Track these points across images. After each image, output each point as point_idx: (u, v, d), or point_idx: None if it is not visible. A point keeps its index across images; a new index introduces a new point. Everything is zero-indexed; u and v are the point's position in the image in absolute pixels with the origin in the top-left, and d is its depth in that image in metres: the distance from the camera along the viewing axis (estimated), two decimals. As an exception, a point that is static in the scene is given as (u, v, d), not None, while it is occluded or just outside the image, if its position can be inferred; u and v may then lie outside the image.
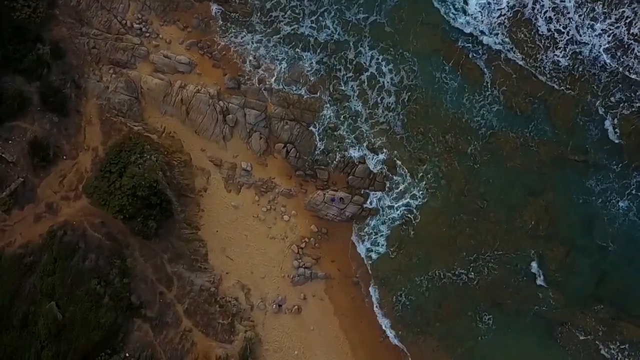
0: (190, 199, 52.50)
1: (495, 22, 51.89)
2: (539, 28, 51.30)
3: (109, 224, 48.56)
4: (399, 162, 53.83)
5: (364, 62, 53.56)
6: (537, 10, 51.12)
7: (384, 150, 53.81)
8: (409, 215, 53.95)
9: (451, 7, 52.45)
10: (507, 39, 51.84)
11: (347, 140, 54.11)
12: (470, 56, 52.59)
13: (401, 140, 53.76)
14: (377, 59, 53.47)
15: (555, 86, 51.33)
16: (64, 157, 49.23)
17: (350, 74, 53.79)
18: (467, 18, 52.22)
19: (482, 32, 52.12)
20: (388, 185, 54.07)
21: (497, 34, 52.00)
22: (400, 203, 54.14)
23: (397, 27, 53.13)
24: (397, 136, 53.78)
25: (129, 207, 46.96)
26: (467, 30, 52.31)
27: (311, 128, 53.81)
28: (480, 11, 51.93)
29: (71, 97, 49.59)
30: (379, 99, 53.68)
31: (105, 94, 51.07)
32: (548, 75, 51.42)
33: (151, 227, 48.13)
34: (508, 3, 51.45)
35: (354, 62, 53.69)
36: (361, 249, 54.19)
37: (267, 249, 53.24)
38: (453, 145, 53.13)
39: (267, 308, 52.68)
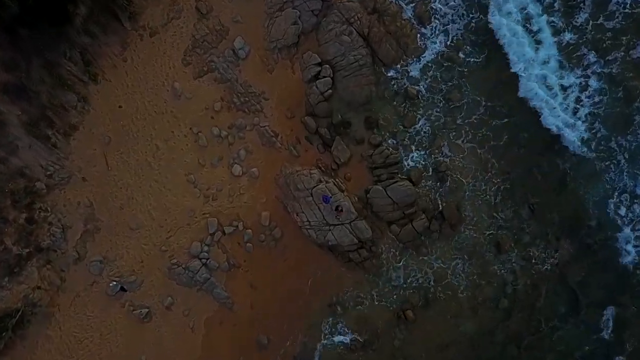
0: (117, 29, 27.89)
1: None
2: None
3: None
4: (461, 220, 29.28)
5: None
6: None
7: (451, 180, 29.41)
8: (404, 309, 29.53)
9: None
10: None
11: (419, 124, 29.47)
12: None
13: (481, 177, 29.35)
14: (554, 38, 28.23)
15: None
16: None
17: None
18: None
19: None
20: (422, 244, 29.56)
21: None
22: (412, 277, 29.75)
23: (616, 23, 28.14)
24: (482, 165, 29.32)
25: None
26: None
27: (387, 72, 29.18)
28: None
29: None
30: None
31: None
32: None
33: (10, 11, 23.73)
34: None
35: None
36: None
37: (173, 194, 28.70)
38: (560, 259, 28.73)
39: (101, 278, 28.10)
